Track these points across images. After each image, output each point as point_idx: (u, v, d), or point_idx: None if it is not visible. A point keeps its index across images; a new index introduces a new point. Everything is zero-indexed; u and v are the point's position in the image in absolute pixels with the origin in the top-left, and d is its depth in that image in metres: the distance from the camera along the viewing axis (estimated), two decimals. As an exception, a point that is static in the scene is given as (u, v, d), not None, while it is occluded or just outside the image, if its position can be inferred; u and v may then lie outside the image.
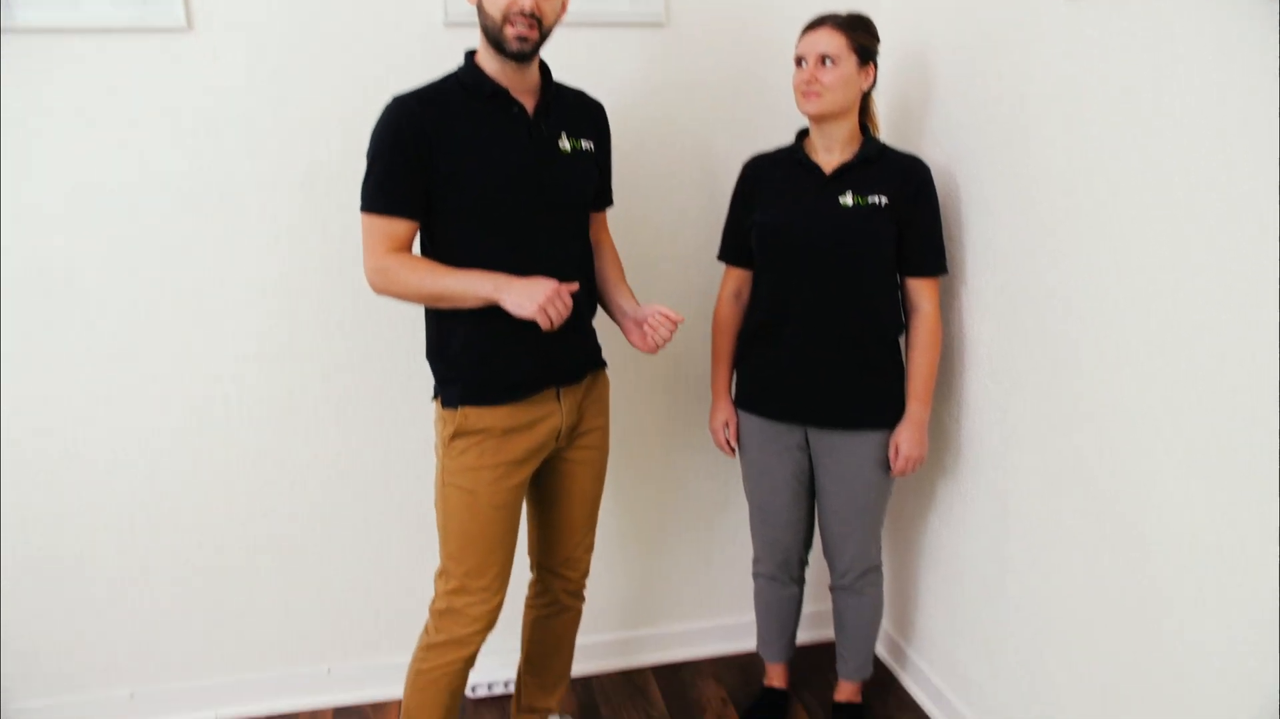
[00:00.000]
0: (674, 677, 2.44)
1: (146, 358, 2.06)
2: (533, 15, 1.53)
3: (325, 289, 2.10)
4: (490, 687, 2.36)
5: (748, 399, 1.99)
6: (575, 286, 1.60)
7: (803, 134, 1.93)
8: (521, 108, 1.63)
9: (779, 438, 1.97)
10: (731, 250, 2.01)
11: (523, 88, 1.64)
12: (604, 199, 1.88)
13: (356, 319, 2.12)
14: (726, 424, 2.04)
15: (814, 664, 2.46)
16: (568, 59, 2.08)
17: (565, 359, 1.72)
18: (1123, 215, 1.50)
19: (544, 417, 1.71)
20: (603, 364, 1.84)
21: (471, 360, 1.65)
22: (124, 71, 1.91)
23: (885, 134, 2.19)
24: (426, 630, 1.75)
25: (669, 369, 2.34)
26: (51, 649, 2.19)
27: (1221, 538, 1.36)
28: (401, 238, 1.59)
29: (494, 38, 1.56)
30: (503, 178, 1.60)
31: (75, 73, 1.90)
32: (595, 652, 2.46)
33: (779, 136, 2.06)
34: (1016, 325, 1.80)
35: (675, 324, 1.68)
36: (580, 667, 2.43)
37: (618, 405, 2.31)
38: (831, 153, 1.86)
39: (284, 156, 2.02)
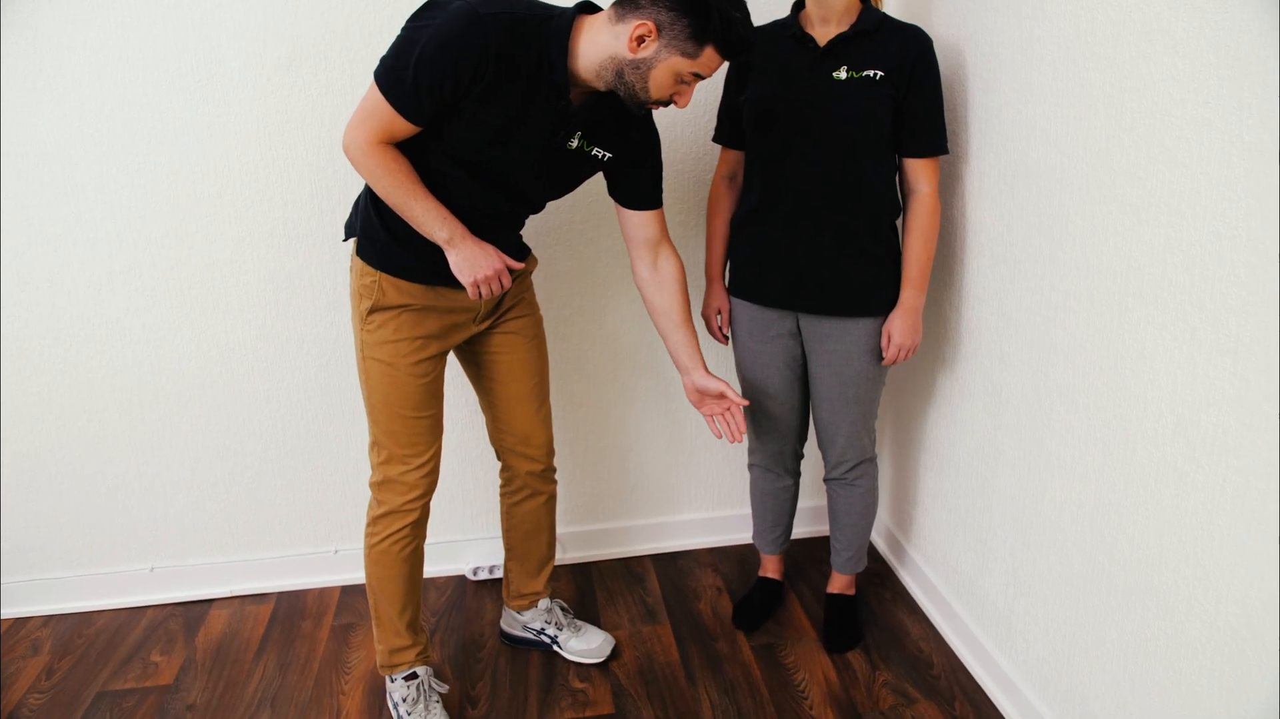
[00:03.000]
0: (671, 565, 2.47)
1: (144, 239, 2.08)
2: None
3: (318, 168, 2.08)
4: (492, 570, 2.41)
5: (740, 285, 1.94)
6: (520, 266, 1.66)
7: (799, 5, 1.82)
8: (568, 102, 1.53)
9: (771, 325, 1.92)
10: (726, 131, 1.93)
11: (588, 88, 1.55)
12: (645, 199, 1.73)
13: (347, 199, 2.10)
14: (719, 311, 1.99)
15: (811, 556, 2.46)
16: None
17: None
18: (1128, 83, 1.39)
19: (460, 298, 1.71)
20: (526, 252, 1.83)
21: (401, 236, 1.62)
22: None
23: (893, 6, 2.06)
24: (370, 506, 1.79)
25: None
26: (75, 525, 2.29)
27: (1200, 419, 1.29)
28: (399, 135, 1.51)
29: (628, 96, 1.50)
30: (502, 157, 1.55)
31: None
32: (595, 539, 2.49)
33: (777, 11, 1.96)
34: (1017, 209, 1.71)
35: (739, 427, 1.79)
36: (580, 553, 2.48)
37: (615, 296, 2.29)
38: (828, 24, 1.76)
39: (269, 35, 1.97)
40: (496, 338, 1.82)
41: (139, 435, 2.23)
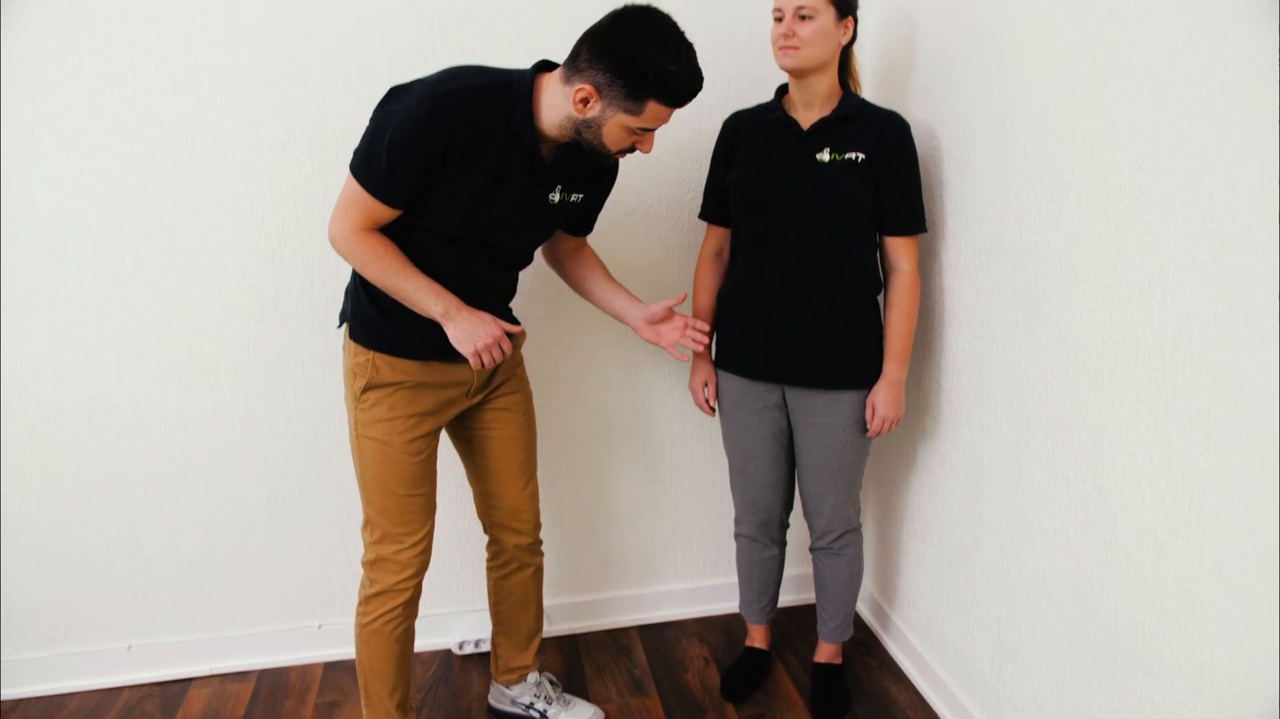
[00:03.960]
0: (658, 636, 2.46)
1: (134, 313, 2.08)
2: None
3: (310, 245, 2.11)
4: (478, 644, 2.39)
5: (726, 358, 1.99)
6: (518, 330, 1.70)
7: (782, 90, 1.90)
8: (542, 160, 1.60)
9: (757, 397, 1.96)
10: (712, 209, 2.00)
11: (557, 143, 1.62)
12: (584, 228, 1.86)
13: (341, 276, 2.13)
14: (706, 384, 2.03)
15: (797, 625, 2.47)
16: (545, 12, 2.07)
17: None
18: (1089, 171, 1.47)
19: (454, 372, 1.73)
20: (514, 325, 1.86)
21: (393, 314, 1.64)
22: (107, 24, 1.92)
23: (871, 92, 2.16)
24: (362, 584, 1.78)
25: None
26: (51, 602, 2.25)
27: (1176, 489, 1.34)
28: (381, 220, 1.57)
29: (596, 150, 1.56)
30: (485, 221, 1.60)
31: (64, 24, 1.91)
32: (581, 611, 2.48)
33: (761, 93, 2.04)
34: (994, 286, 1.78)
35: (702, 332, 1.83)
36: (566, 625, 2.47)
37: (600, 367, 2.32)
38: (810, 109, 1.84)
39: (267, 113, 2.02)
40: (488, 414, 1.85)
41: (120, 509, 2.21)
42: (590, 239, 1.97)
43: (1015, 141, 1.67)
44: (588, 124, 1.52)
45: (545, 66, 1.59)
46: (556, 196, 1.67)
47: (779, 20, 1.78)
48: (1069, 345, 1.56)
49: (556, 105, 1.53)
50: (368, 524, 1.75)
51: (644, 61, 1.45)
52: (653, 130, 1.56)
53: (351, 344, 1.69)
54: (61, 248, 2.02)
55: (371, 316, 1.66)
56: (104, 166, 1.99)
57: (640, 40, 1.45)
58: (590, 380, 2.33)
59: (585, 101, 1.49)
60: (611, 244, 2.21)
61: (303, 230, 2.10)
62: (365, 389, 1.68)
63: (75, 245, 2.03)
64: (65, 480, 2.17)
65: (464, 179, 1.53)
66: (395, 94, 1.54)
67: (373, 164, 1.50)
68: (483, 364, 1.63)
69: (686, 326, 1.83)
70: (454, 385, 1.74)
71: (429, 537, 1.77)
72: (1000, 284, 1.75)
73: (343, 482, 2.28)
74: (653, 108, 1.50)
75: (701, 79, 1.52)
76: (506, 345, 1.64)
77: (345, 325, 1.73)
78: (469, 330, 1.60)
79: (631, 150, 1.59)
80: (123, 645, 2.30)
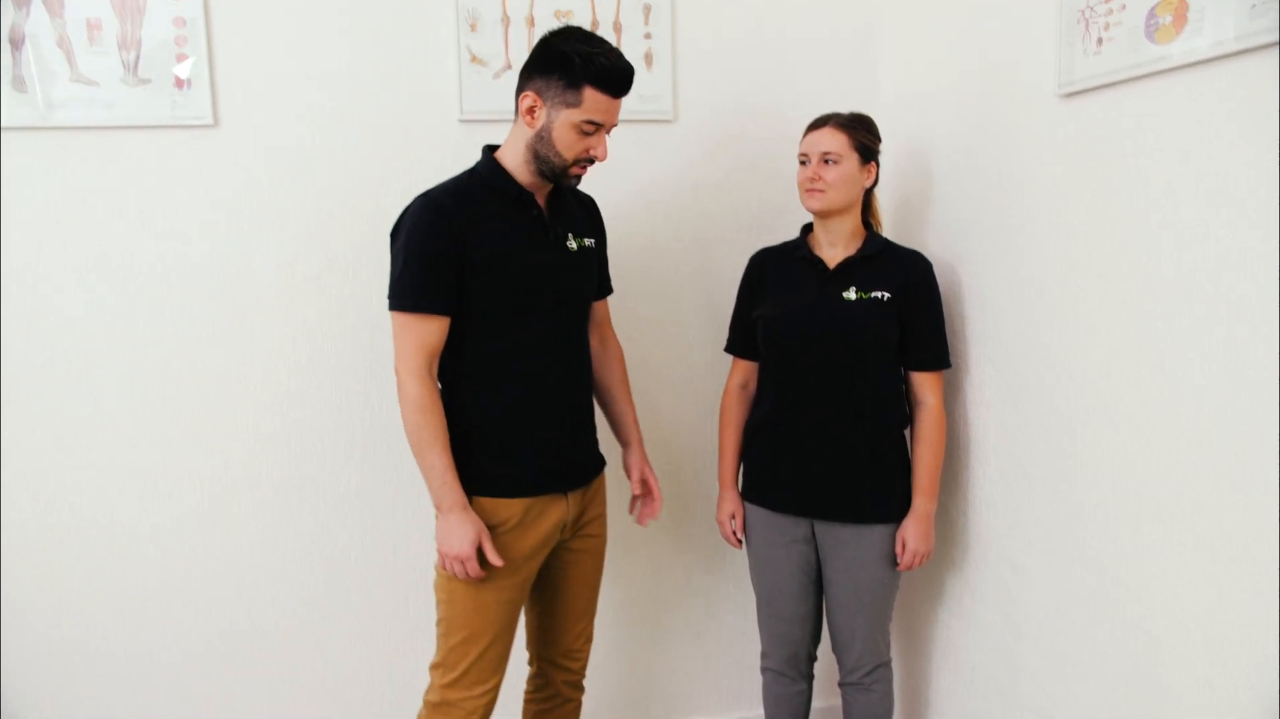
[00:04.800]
0: (680, 775, 2.38)
1: (158, 442, 2.08)
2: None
3: (338, 378, 2.13)
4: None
5: (754, 491, 1.99)
6: (499, 564, 1.63)
7: (807, 229, 1.97)
8: (540, 210, 1.69)
9: (785, 531, 1.96)
10: (738, 343, 2.03)
11: (541, 191, 1.71)
12: (605, 288, 1.93)
13: (368, 408, 2.14)
14: (733, 516, 2.03)
15: (824, 764, 2.39)
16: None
17: (575, 465, 1.78)
18: (1110, 308, 1.51)
19: (551, 511, 1.73)
20: (604, 463, 1.89)
21: (488, 454, 1.66)
22: (154, 166, 2.00)
23: (890, 230, 2.23)
24: None
25: (674, 460, 2.34)
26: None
27: (1228, 636, 1.33)
28: (435, 340, 1.61)
29: (550, 170, 1.64)
30: (527, 279, 1.66)
31: (108, 168, 1.99)
32: (600, 747, 2.40)
33: (785, 231, 2.11)
34: (1020, 419, 1.80)
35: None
36: (585, 763, 2.38)
37: (625, 497, 2.31)
38: (835, 248, 1.90)
39: (303, 248, 2.08)
40: (568, 554, 1.83)
41: (132, 641, 2.14)
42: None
43: (1032, 276, 1.72)
44: (540, 136, 1.61)
45: (493, 148, 1.72)
46: (574, 244, 1.74)
47: (804, 164, 1.86)
48: (1102, 483, 1.57)
49: (515, 146, 1.66)
50: (440, 665, 1.71)
51: (570, 51, 1.57)
52: (601, 128, 1.62)
53: None
54: (89, 375, 2.04)
55: (459, 458, 1.64)
56: (132, 295, 2.03)
57: (563, 39, 1.60)
58: (615, 509, 2.31)
59: (532, 110, 1.61)
60: (639, 373, 2.24)
61: (331, 358, 2.12)
62: None
63: (101, 372, 2.04)
64: (76, 610, 2.12)
65: (486, 246, 1.61)
66: (394, 234, 1.66)
67: (406, 286, 1.59)
68: (445, 567, 1.64)
69: (651, 508, 1.96)
70: (549, 520, 1.73)
71: (499, 687, 1.73)
72: (1027, 419, 1.77)
73: (365, 614, 2.23)
74: (590, 95, 1.58)
75: (629, 64, 1.61)
76: (474, 570, 1.61)
77: None
78: (452, 533, 1.60)
79: (590, 162, 1.65)
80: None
